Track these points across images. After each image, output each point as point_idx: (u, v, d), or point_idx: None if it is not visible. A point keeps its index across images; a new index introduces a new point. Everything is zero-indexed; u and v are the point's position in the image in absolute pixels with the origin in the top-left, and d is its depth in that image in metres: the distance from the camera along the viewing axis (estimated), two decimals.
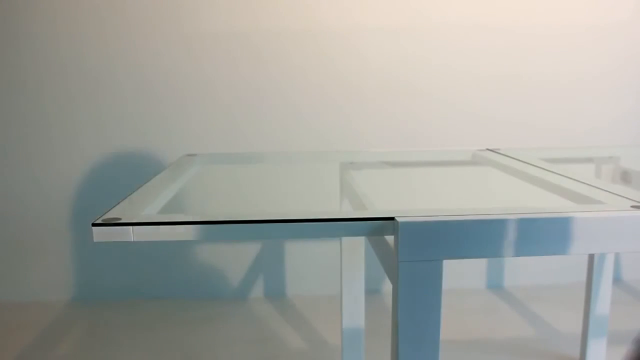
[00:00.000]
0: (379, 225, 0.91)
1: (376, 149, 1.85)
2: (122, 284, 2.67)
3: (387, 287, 2.77)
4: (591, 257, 1.94)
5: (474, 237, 0.89)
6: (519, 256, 0.89)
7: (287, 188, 2.46)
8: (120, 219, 0.91)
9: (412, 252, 0.88)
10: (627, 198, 1.09)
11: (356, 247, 1.74)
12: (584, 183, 1.24)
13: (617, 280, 2.85)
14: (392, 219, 0.91)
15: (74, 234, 2.62)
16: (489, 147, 1.85)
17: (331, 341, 2.24)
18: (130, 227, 0.89)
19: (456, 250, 0.89)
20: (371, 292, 2.72)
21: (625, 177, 1.57)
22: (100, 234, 0.89)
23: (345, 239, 1.73)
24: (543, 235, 0.91)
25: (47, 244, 2.62)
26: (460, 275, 2.78)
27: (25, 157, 2.55)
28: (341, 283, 1.75)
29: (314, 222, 0.91)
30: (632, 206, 1.01)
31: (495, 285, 2.81)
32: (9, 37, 2.45)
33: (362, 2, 2.54)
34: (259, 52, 2.54)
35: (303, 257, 2.72)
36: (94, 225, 0.88)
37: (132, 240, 0.89)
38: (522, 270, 2.81)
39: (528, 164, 1.52)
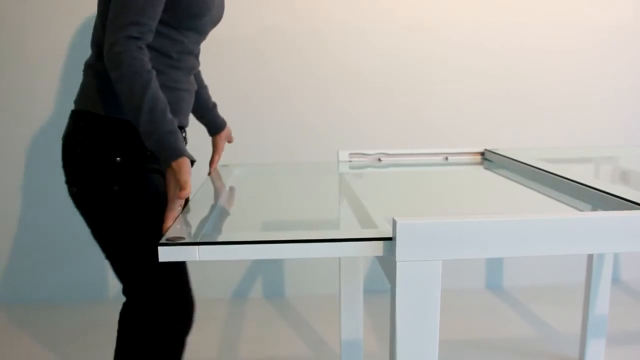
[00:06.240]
0: (379, 245, 0.92)
1: (375, 149, 1.85)
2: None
3: (386, 287, 2.77)
4: (590, 257, 1.94)
5: (472, 237, 0.89)
6: (517, 256, 0.89)
7: (285, 188, 2.46)
8: (183, 238, 0.92)
9: (410, 253, 0.88)
10: (626, 198, 1.09)
11: None
12: (583, 184, 1.23)
13: (616, 280, 2.85)
14: (391, 239, 0.91)
15: (73, 239, 2.62)
16: (489, 148, 1.84)
17: (330, 341, 2.24)
18: (196, 247, 0.90)
19: (454, 251, 0.89)
20: (370, 292, 2.72)
21: (624, 177, 1.57)
22: (166, 254, 0.90)
23: None
24: (542, 235, 0.91)
25: (53, 248, 2.62)
26: (460, 275, 2.78)
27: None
28: (340, 283, 1.75)
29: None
30: (631, 206, 1.01)
31: (494, 285, 2.81)
32: None
33: (361, 2, 2.54)
34: (259, 53, 2.54)
35: (302, 257, 2.71)
36: (159, 245, 0.90)
37: (198, 259, 0.91)
38: (522, 270, 2.81)
39: (527, 164, 1.52)
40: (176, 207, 1.07)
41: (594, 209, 1.14)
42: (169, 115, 1.10)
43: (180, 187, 1.06)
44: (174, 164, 1.07)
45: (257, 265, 2.71)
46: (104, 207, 1.23)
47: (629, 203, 1.07)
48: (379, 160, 1.82)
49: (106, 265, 2.65)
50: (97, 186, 1.22)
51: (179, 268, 1.30)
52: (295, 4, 2.52)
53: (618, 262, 2.86)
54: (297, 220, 1.12)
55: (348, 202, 1.29)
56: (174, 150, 1.08)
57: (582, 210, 1.15)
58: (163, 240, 0.91)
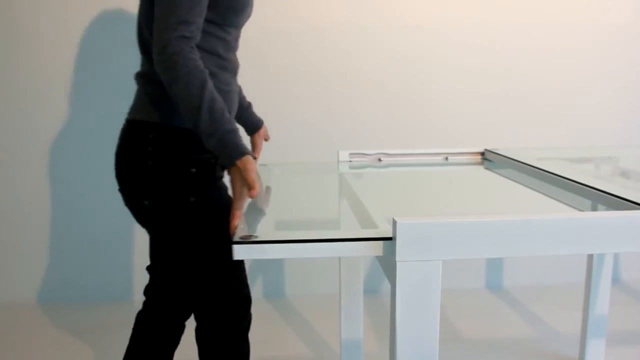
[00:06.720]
0: (379, 245, 0.93)
1: (375, 149, 1.85)
2: (122, 284, 2.67)
3: (386, 287, 2.77)
4: (590, 257, 1.94)
5: (472, 237, 0.89)
6: (517, 256, 0.89)
7: (285, 188, 2.45)
8: (257, 236, 0.94)
9: (410, 253, 0.88)
10: (626, 198, 1.09)
11: None
12: (583, 184, 1.23)
13: (616, 280, 2.85)
14: (391, 239, 0.91)
15: (77, 238, 2.62)
16: (489, 148, 1.85)
17: (330, 341, 2.23)
18: (268, 245, 0.92)
19: (454, 251, 0.89)
20: (370, 292, 2.72)
21: (624, 177, 1.57)
22: (241, 252, 0.92)
23: None
24: (542, 235, 0.90)
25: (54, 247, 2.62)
26: (460, 275, 2.78)
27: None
28: (340, 283, 1.75)
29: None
30: (631, 206, 1.01)
31: (494, 285, 2.81)
32: None
33: (361, 2, 2.54)
34: (259, 53, 2.54)
35: (302, 257, 2.71)
36: (235, 243, 0.91)
37: (270, 258, 0.93)
38: (522, 270, 2.81)
39: (527, 164, 1.52)
40: (242, 206, 1.07)
41: (594, 208, 1.14)
42: (227, 114, 1.09)
43: (249, 186, 1.06)
44: (239, 163, 1.06)
45: (257, 265, 2.71)
46: (181, 218, 1.21)
47: (629, 203, 1.07)
48: (379, 160, 1.82)
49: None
50: (173, 198, 1.20)
51: (242, 268, 1.30)
52: (296, 4, 2.52)
53: (618, 262, 2.86)
54: (297, 220, 1.12)
55: (348, 202, 1.29)
56: (237, 149, 1.07)
57: (582, 210, 1.15)
58: (236, 239, 0.92)
